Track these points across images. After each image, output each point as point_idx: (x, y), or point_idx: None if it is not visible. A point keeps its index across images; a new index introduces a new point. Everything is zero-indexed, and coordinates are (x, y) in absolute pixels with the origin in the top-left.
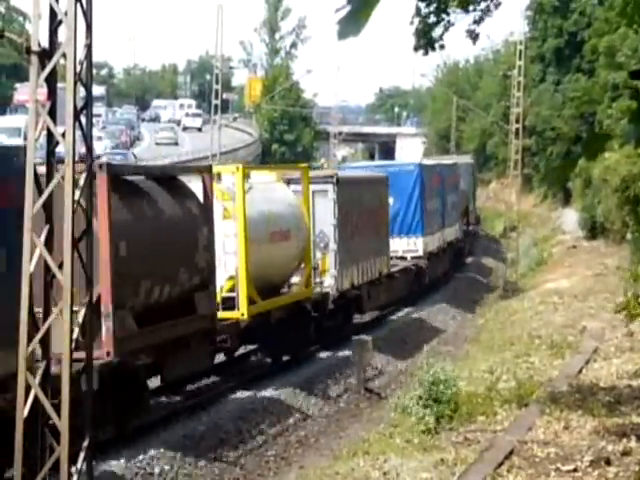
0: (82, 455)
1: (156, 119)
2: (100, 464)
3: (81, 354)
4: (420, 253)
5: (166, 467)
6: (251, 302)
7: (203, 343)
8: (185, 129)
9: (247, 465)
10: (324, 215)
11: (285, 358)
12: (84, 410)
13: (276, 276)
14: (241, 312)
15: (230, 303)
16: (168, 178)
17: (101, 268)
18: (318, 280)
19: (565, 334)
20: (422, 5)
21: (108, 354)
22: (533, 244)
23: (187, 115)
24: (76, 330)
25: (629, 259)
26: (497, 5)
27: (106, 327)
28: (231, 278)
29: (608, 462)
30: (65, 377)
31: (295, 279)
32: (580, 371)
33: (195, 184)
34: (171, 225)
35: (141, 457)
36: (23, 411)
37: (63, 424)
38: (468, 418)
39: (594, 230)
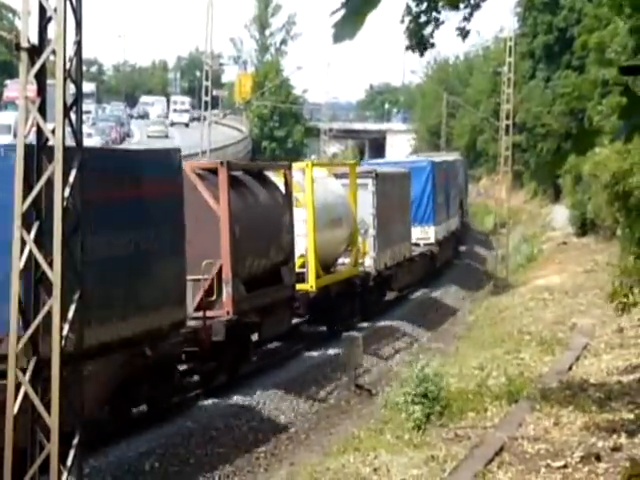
0: (72, 453)
1: (144, 116)
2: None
3: (212, 312)
4: (432, 240)
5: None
6: (317, 277)
7: (286, 309)
8: (173, 124)
9: (237, 462)
10: (364, 205)
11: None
12: (74, 406)
13: (331, 256)
14: (310, 284)
15: (300, 277)
16: (259, 173)
17: (222, 246)
18: (360, 261)
19: (555, 330)
20: (413, 4)
21: (228, 312)
22: (523, 240)
23: (175, 111)
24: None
25: (619, 255)
26: None
27: (226, 291)
28: (301, 256)
29: (598, 458)
30: (55, 374)
31: (340, 260)
32: (570, 367)
33: (274, 178)
34: (265, 211)
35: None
36: (13, 408)
37: (53, 421)
38: (458, 414)
39: (584, 226)
